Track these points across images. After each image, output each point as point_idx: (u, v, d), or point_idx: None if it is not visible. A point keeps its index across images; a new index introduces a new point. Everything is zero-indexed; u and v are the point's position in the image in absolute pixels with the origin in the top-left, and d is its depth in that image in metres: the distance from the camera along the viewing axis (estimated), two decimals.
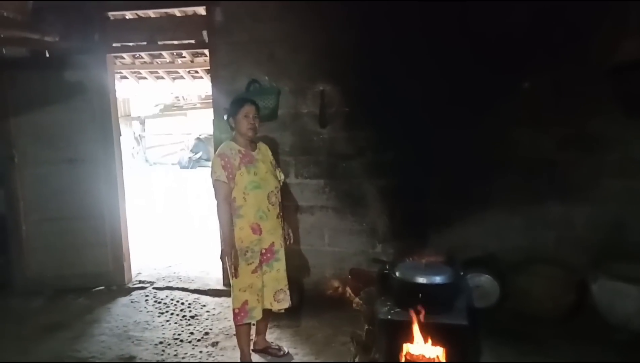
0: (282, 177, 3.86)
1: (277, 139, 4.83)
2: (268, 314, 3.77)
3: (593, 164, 4.24)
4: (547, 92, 4.26)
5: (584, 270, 4.10)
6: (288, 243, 3.83)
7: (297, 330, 4.26)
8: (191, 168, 15.75)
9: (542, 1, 4.14)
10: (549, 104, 4.27)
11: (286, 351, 3.92)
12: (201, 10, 5.03)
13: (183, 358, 3.93)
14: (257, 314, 3.60)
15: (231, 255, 3.43)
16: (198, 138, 16.49)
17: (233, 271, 3.49)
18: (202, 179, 11.69)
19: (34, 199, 5.19)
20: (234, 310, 3.60)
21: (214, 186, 3.50)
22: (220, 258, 3.58)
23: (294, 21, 4.65)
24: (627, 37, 3.83)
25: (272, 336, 4.12)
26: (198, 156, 16.06)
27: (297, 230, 4.85)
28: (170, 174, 15.10)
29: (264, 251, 3.58)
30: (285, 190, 4.69)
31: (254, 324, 3.83)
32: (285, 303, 3.73)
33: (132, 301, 5.00)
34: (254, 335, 3.92)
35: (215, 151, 3.82)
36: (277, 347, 3.95)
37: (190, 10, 5.31)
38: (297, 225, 4.87)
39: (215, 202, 3.50)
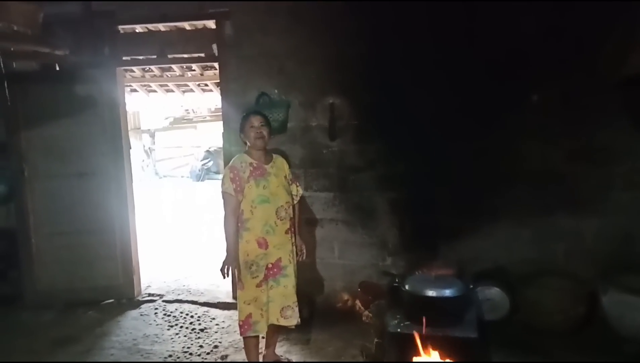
0: (300, 192, 3.84)
1: (287, 152, 4.81)
2: (277, 328, 3.73)
3: (602, 177, 4.23)
4: (556, 105, 4.26)
5: (594, 282, 4.08)
6: (300, 259, 3.78)
7: (307, 344, 4.23)
8: (202, 180, 15.80)
9: (551, 13, 4.16)
10: (557, 117, 4.27)
11: None
12: (211, 24, 5.05)
13: None
14: (261, 328, 3.59)
15: (231, 266, 3.46)
16: (208, 151, 16.55)
17: (238, 282, 3.50)
18: (212, 191, 11.74)
19: (44, 213, 5.21)
20: (239, 322, 3.61)
21: (222, 198, 3.52)
22: (220, 269, 3.53)
23: (303, 34, 4.67)
24: (635, 50, 3.85)
25: (281, 349, 4.09)
26: (210, 163, 16.10)
27: (308, 243, 4.79)
28: (179, 186, 15.14)
29: (270, 265, 3.54)
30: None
31: (263, 337, 3.79)
32: (293, 320, 3.65)
33: (141, 315, 4.99)
34: (263, 348, 3.89)
35: (224, 163, 3.82)
36: (286, 361, 3.92)
37: (200, 24, 5.33)
38: (306, 238, 4.79)
39: (223, 213, 3.52)
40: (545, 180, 4.31)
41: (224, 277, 3.52)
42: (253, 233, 3.48)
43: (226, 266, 3.49)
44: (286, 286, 3.59)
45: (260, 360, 3.85)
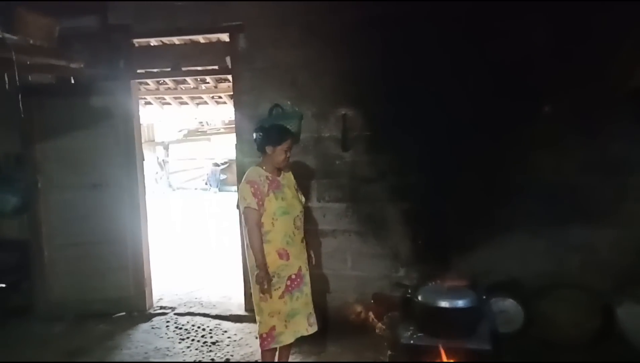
0: (303, 200, 3.86)
1: (300, 163, 4.82)
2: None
3: (615, 188, 4.21)
4: (569, 116, 4.23)
5: (609, 295, 4.06)
6: (312, 263, 3.83)
7: (320, 356, 4.20)
8: (219, 191, 15.87)
9: (562, 26, 4.18)
10: (570, 128, 4.24)
11: None
12: (225, 37, 5.09)
13: None
14: (285, 339, 3.56)
15: (265, 280, 3.39)
16: (216, 164, 16.62)
17: (266, 294, 3.45)
18: (225, 203, 11.75)
19: (57, 224, 5.23)
20: (261, 335, 3.56)
21: (244, 214, 3.48)
22: (257, 282, 3.47)
23: (316, 48, 4.70)
24: None
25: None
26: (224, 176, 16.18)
27: (320, 254, 4.84)
28: (193, 198, 15.20)
29: (293, 276, 3.55)
30: (307, 213, 4.71)
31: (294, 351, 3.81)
32: (316, 326, 3.69)
33: (152, 327, 4.98)
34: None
35: (237, 174, 3.81)
36: None
37: (214, 37, 5.37)
38: (319, 249, 4.85)
39: (247, 228, 3.48)
40: (559, 191, 4.26)
41: (261, 290, 3.44)
42: (273, 245, 3.48)
43: (262, 280, 3.41)
44: (307, 294, 3.65)
45: None
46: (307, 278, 3.65)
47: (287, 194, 3.57)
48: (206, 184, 16.77)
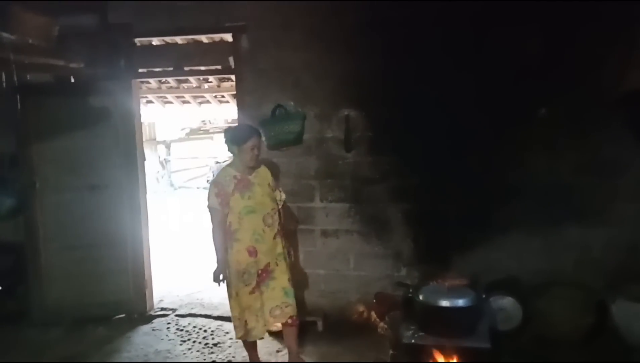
0: (283, 197, 4.03)
1: (302, 164, 4.90)
2: (290, 331, 3.91)
3: (608, 189, 4.33)
4: (562, 119, 4.35)
5: (603, 292, 4.18)
6: (291, 259, 4.05)
7: (322, 356, 4.20)
8: None
9: (556, 31, 4.29)
10: (564, 131, 4.37)
11: None
12: (228, 37, 5.05)
13: None
14: (257, 333, 3.79)
15: (220, 277, 3.65)
16: (218, 162, 16.56)
17: (230, 291, 3.71)
18: None
19: (55, 227, 5.16)
20: (234, 328, 3.83)
21: (209, 212, 3.68)
22: (213, 279, 3.70)
23: (319, 49, 4.72)
24: (632, 68, 4.03)
25: None
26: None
27: (323, 254, 4.95)
28: (195, 197, 15.14)
29: (260, 272, 3.73)
30: (308, 214, 4.91)
31: (262, 338, 3.96)
32: (282, 318, 3.83)
33: (153, 330, 4.94)
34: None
35: None
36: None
37: (217, 37, 5.33)
38: (322, 249, 4.95)
39: (211, 227, 3.70)
40: (554, 192, 4.38)
41: (219, 285, 3.70)
42: (243, 243, 3.66)
43: (219, 275, 3.67)
44: (274, 288, 3.80)
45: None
46: (277, 273, 3.79)
47: (256, 192, 3.71)
48: (208, 182, 16.66)
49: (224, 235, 3.65)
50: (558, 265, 4.40)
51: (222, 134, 3.84)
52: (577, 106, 4.28)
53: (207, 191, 3.72)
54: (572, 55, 4.27)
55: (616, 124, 4.21)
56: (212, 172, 16.59)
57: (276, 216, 3.82)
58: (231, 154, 3.83)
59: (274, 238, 3.78)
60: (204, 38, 5.41)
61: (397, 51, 4.55)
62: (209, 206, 3.67)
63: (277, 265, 3.80)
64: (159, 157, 17.73)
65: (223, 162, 16.13)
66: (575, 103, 4.27)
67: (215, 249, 3.68)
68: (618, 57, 4.14)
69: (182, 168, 18.46)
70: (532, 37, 4.31)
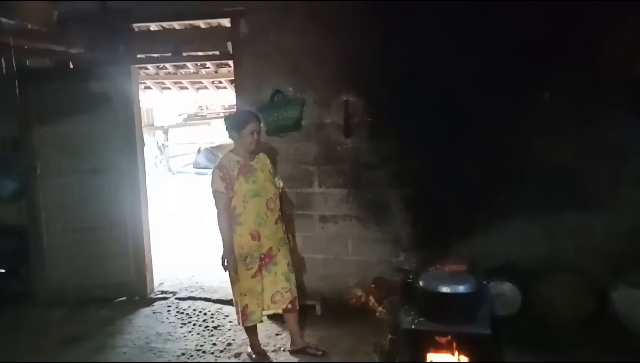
0: (281, 184, 4.04)
1: (301, 149, 4.88)
2: (291, 315, 3.94)
3: (611, 174, 4.28)
4: (567, 103, 4.28)
5: (604, 278, 4.14)
6: (290, 245, 4.03)
7: (321, 340, 4.21)
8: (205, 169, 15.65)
9: (562, 12, 4.18)
10: (568, 115, 4.29)
11: (325, 350, 4.02)
12: (226, 22, 5.03)
13: None
14: (257, 317, 3.80)
15: (229, 260, 3.63)
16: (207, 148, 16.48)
17: (233, 275, 3.69)
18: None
19: (56, 210, 5.21)
20: (236, 313, 3.83)
21: (213, 196, 3.68)
22: (221, 264, 3.71)
23: (319, 33, 4.66)
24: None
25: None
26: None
27: (322, 239, 4.96)
28: (192, 182, 15.14)
29: (262, 256, 3.74)
30: (307, 200, 4.91)
31: (261, 321, 3.93)
32: (282, 305, 3.85)
33: (154, 312, 4.99)
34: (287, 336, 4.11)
35: None
36: (314, 347, 4.03)
37: (215, 22, 5.31)
38: (320, 234, 4.96)
39: (216, 211, 3.68)
40: (556, 177, 4.32)
41: (225, 270, 3.71)
42: (246, 226, 3.66)
43: (225, 260, 3.66)
44: (275, 273, 3.82)
45: (289, 348, 4.07)
46: (278, 258, 3.82)
47: (259, 177, 3.73)
48: (194, 166, 16.52)
49: (229, 219, 3.65)
50: (559, 251, 4.40)
51: (223, 121, 3.86)
52: (583, 90, 4.20)
53: (210, 176, 3.72)
54: (577, 38, 4.18)
55: (622, 109, 4.11)
56: (197, 158, 16.55)
57: (278, 202, 3.84)
58: (232, 141, 3.83)
59: (276, 222, 3.80)
60: (201, 23, 5.40)
61: (397, 35, 4.46)
62: (214, 191, 3.66)
63: (279, 250, 3.82)
64: (157, 142, 17.68)
65: (209, 146, 16.09)
66: (580, 87, 4.19)
67: (221, 233, 3.66)
68: (624, 41, 4.07)
69: (179, 153, 18.43)
70: (535, 18, 4.20)
